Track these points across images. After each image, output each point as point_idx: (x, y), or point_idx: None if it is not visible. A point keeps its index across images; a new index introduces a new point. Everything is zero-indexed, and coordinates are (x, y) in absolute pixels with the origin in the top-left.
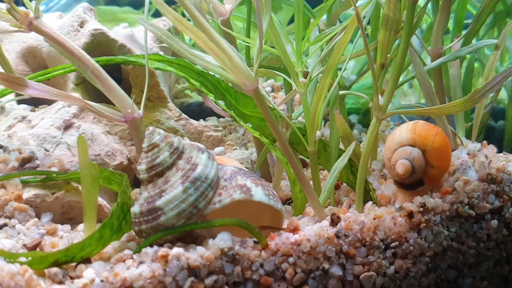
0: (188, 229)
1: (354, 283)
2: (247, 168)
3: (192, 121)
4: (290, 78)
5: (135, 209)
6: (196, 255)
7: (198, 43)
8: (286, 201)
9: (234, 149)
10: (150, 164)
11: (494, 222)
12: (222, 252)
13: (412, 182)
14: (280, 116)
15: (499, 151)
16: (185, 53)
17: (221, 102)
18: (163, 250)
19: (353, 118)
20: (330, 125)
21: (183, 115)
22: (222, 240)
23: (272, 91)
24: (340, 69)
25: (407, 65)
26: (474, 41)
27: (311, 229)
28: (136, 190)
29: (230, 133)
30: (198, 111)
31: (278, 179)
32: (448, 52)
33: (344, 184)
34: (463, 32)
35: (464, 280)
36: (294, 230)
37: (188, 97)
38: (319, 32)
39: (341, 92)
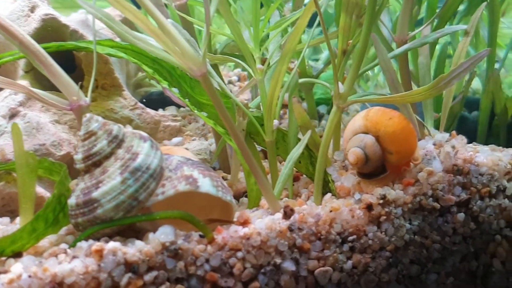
0: (127, 222)
1: (309, 278)
2: (205, 159)
3: (148, 110)
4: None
5: (71, 201)
6: (134, 249)
7: (137, 24)
8: (245, 193)
9: (193, 140)
10: (86, 153)
11: (461, 215)
12: (164, 247)
13: (372, 170)
14: (236, 104)
15: (470, 142)
16: (127, 35)
17: (176, 90)
18: (97, 244)
19: (322, 108)
20: (288, 114)
21: (139, 104)
22: (164, 234)
23: (239, 80)
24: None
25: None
26: None
27: (262, 222)
28: (75, 181)
29: (190, 123)
30: (160, 101)
31: (236, 171)
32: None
33: (304, 176)
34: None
35: (428, 275)
36: (244, 223)
37: (153, 87)
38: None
39: (301, 80)
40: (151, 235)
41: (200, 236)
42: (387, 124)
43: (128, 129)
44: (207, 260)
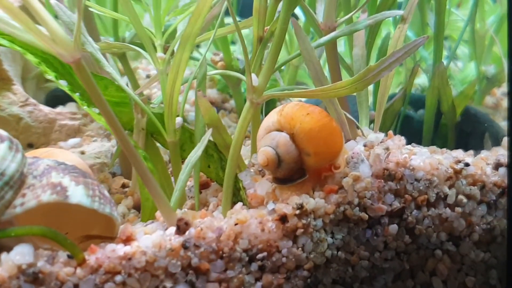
0: None
1: None
2: (104, 163)
3: (42, 107)
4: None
5: None
6: None
7: None
8: None
9: (93, 141)
10: None
11: (393, 227)
12: (20, 270)
13: (287, 174)
14: (133, 99)
15: (409, 143)
16: None
17: (63, 83)
18: None
19: None
20: (195, 110)
21: (31, 100)
22: (20, 254)
23: None
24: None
25: None
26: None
27: (148, 238)
28: None
29: (92, 122)
30: (65, 97)
31: (137, 177)
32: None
33: (215, 182)
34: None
35: None
36: (127, 240)
37: None
38: None
39: (211, 73)
40: (3, 256)
41: (68, 256)
42: (304, 121)
43: None
44: (75, 286)
